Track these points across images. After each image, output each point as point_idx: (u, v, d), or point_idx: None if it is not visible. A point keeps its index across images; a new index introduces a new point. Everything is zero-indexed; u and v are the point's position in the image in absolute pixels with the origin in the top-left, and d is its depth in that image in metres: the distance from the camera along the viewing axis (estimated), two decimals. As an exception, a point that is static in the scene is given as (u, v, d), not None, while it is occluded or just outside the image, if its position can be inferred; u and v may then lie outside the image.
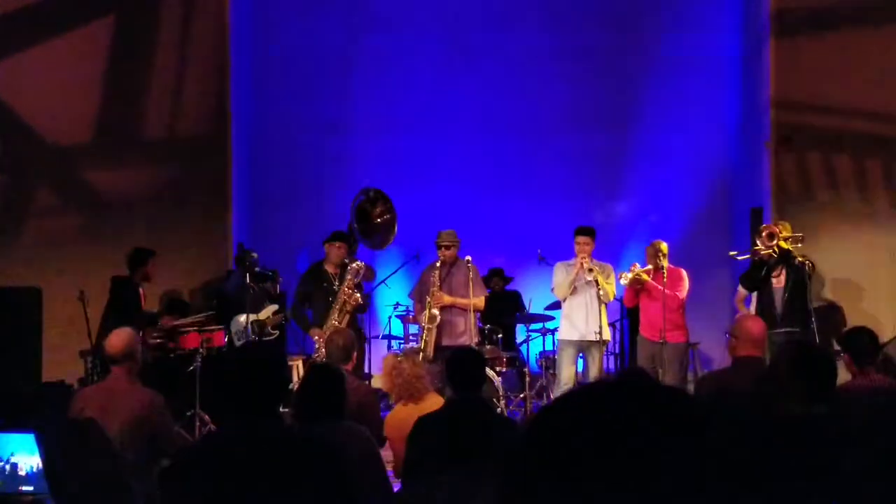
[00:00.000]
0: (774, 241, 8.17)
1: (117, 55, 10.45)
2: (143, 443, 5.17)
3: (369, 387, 6.53)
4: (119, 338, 5.42)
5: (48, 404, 7.53)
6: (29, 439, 4.75)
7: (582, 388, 1.34)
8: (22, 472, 4.75)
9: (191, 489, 3.06)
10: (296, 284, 9.52)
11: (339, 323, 8.35)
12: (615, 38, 11.77)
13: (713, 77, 11.77)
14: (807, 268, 8.25)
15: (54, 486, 4.57)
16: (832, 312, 9.59)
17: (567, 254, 8.95)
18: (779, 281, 8.29)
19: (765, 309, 8.38)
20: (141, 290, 9.09)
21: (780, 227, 8.42)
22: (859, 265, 9.83)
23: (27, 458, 4.73)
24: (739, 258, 8.90)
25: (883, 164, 10.17)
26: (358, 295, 8.41)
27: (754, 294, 8.68)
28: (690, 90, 11.67)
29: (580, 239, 8.74)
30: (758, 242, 8.34)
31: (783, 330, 8.12)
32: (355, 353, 6.26)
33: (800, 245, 8.40)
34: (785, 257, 8.20)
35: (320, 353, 8.27)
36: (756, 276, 8.40)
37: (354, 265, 8.47)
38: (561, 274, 8.85)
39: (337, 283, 8.60)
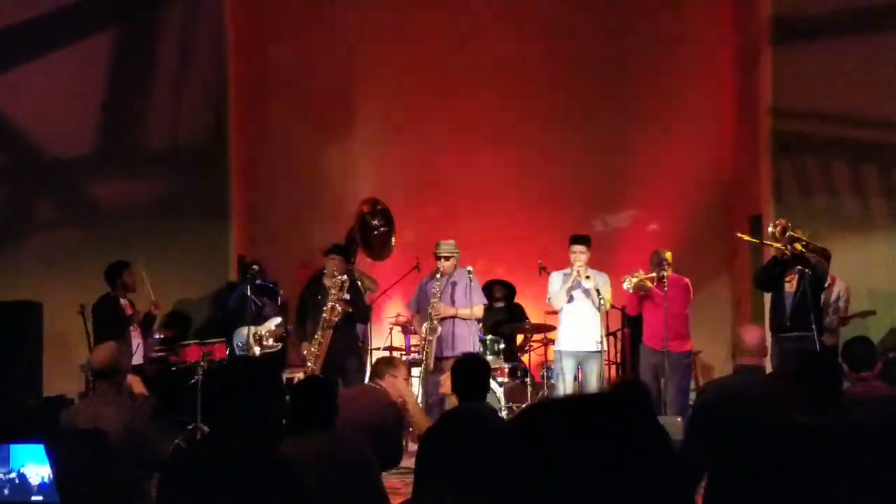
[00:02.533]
0: (786, 235, 8.12)
1: (117, 68, 10.49)
2: (131, 455, 5.17)
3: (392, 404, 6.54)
4: (103, 352, 5.43)
5: (52, 418, 7.55)
6: (39, 450, 4.78)
7: (544, 402, 1.37)
8: (33, 483, 4.79)
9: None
10: (297, 296, 9.53)
11: (322, 339, 8.34)
12: (613, 47, 11.79)
13: (710, 85, 11.80)
14: (808, 274, 8.20)
15: (65, 496, 4.61)
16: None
17: (567, 263, 8.95)
18: (791, 285, 8.27)
19: (776, 313, 8.37)
20: (123, 301, 9.09)
21: (798, 231, 8.37)
22: (857, 271, 9.85)
23: (37, 468, 4.76)
24: (747, 238, 8.94)
25: (880, 171, 10.20)
26: (339, 308, 8.37)
27: (768, 298, 8.66)
28: (688, 98, 11.69)
29: (575, 248, 8.73)
30: (770, 235, 8.28)
31: (793, 334, 8.09)
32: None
33: (823, 258, 8.37)
34: (797, 261, 8.16)
35: (308, 367, 8.29)
36: (768, 275, 8.36)
37: (337, 279, 8.43)
38: (557, 283, 8.85)
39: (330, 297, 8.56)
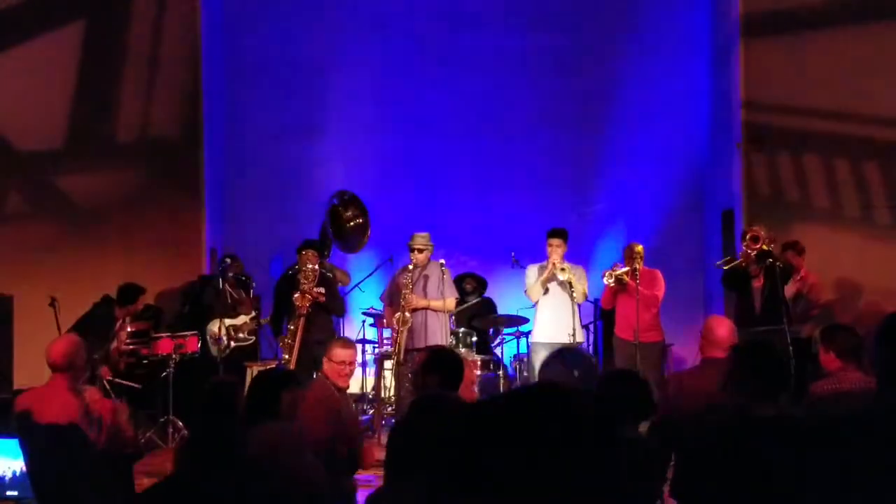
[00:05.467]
0: (759, 245, 8.28)
1: (88, 59, 10.40)
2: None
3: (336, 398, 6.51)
4: (60, 345, 5.29)
5: (23, 413, 7.48)
6: (12, 445, 4.75)
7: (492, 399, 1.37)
8: (6, 477, 4.76)
9: None
10: (270, 290, 9.50)
11: (296, 329, 8.30)
12: (586, 40, 11.81)
13: (684, 78, 11.84)
14: (779, 267, 8.34)
15: (38, 490, 4.59)
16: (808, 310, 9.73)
17: (541, 256, 8.99)
18: (758, 281, 8.42)
19: (744, 309, 8.50)
20: (118, 318, 9.02)
21: (759, 228, 8.52)
22: (828, 263, 9.92)
23: (11, 462, 4.74)
24: (725, 267, 8.88)
25: (851, 165, 10.27)
26: (309, 296, 8.33)
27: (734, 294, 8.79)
28: (661, 92, 11.73)
29: (552, 241, 8.80)
30: (744, 247, 8.46)
31: (763, 328, 8.22)
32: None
33: (772, 246, 8.51)
34: (763, 258, 8.31)
35: (284, 359, 8.27)
36: (737, 277, 8.51)
37: (307, 269, 8.38)
38: (533, 276, 8.90)
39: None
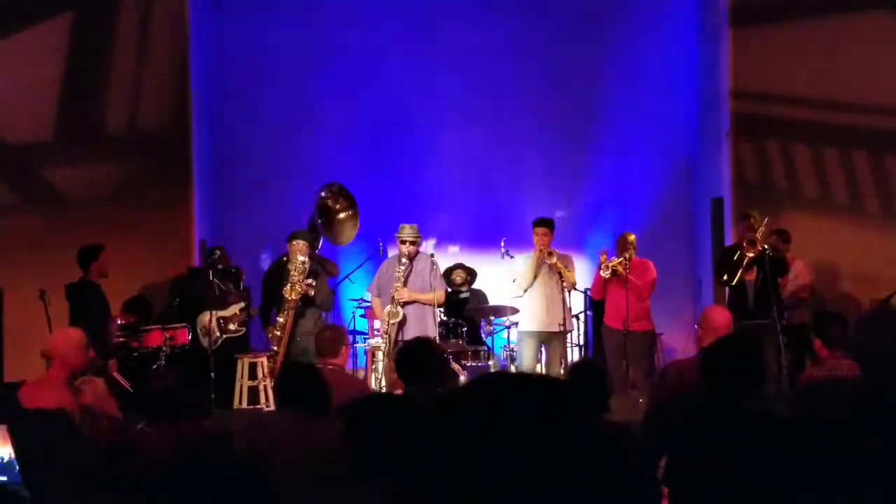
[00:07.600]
0: (756, 247, 8.33)
1: (76, 52, 10.36)
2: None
3: (361, 380, 6.49)
4: (53, 337, 5.48)
5: (13, 403, 7.49)
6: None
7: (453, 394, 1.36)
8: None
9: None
10: (260, 281, 9.49)
11: (285, 321, 8.27)
12: (575, 31, 11.80)
13: (672, 68, 11.84)
14: (767, 259, 8.35)
15: (27, 476, 4.60)
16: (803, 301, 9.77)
17: (531, 247, 9.00)
18: (750, 273, 8.42)
19: (737, 300, 8.51)
20: (95, 281, 8.92)
21: (755, 220, 8.50)
22: (817, 252, 9.95)
23: (-1, 448, 4.75)
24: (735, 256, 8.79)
25: (840, 153, 10.29)
26: (299, 289, 8.30)
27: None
28: (650, 81, 11.73)
29: (538, 230, 8.82)
30: (746, 252, 8.45)
31: (755, 322, 8.23)
32: (344, 348, 6.21)
33: (763, 231, 8.52)
34: (759, 254, 8.32)
35: (273, 350, 8.25)
36: (731, 272, 8.52)
37: (298, 261, 8.34)
38: (522, 264, 8.91)
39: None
